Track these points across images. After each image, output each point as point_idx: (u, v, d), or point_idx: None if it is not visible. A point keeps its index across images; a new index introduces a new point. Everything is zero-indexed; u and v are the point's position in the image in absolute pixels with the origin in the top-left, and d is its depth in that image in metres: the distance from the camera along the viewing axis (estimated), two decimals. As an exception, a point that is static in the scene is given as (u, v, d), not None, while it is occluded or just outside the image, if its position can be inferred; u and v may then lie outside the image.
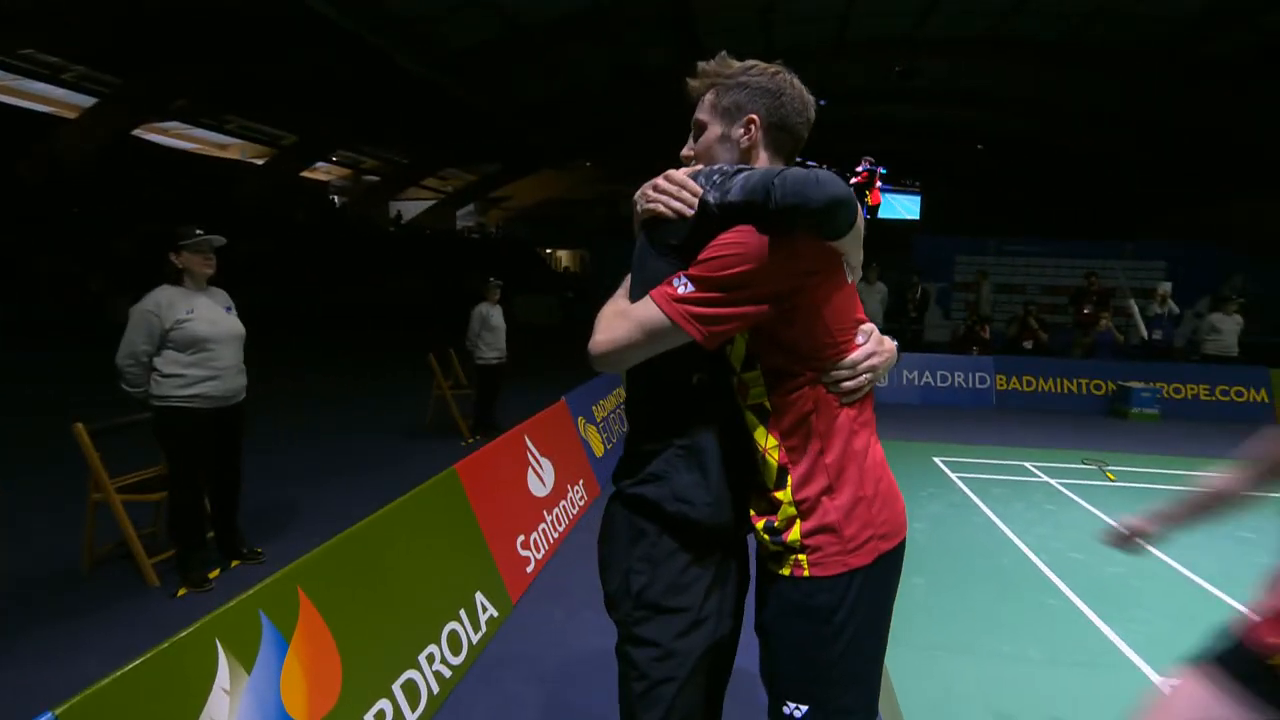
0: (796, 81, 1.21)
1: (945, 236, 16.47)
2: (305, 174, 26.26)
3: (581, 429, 4.68)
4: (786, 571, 1.10)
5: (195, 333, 2.87)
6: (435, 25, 12.48)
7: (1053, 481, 4.97)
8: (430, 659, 2.26)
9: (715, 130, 1.22)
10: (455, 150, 25.63)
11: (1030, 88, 15.60)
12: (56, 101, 17.89)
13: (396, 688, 2.05)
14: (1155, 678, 2.48)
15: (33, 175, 15.64)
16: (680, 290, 1.03)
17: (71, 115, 17.56)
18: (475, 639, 2.54)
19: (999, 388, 8.04)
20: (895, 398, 8.21)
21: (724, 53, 1.24)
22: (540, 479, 3.66)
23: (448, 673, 2.32)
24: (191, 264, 2.90)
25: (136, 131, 18.87)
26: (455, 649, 2.40)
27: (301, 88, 17.42)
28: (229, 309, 3.11)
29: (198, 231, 2.90)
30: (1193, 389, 7.65)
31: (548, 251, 34.50)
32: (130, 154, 18.90)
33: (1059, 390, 7.90)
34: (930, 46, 14.00)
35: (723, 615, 1.20)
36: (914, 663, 2.57)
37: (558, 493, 3.83)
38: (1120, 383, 7.63)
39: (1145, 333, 8.06)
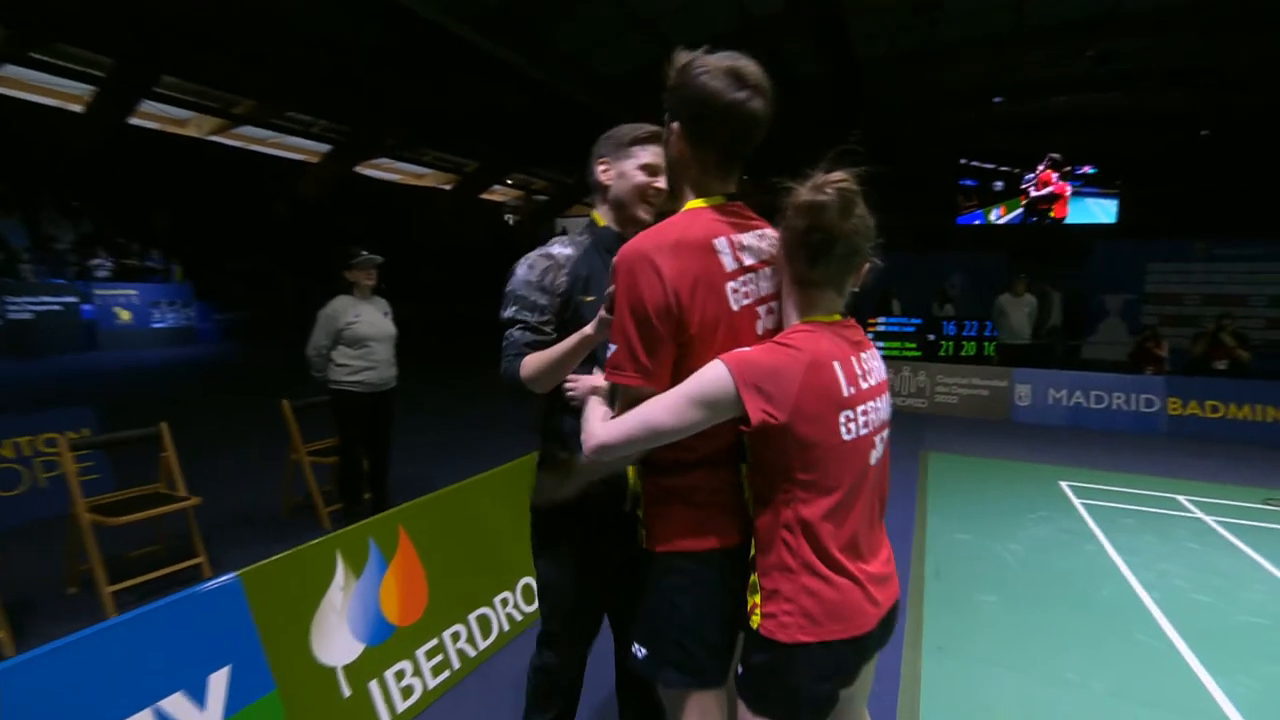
0: (717, 81, 1.12)
1: (1137, 241, 14.33)
2: (484, 196, 29.50)
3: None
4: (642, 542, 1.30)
5: (359, 332, 3.69)
6: (593, 54, 13.56)
7: (1208, 519, 4.37)
8: (504, 603, 2.77)
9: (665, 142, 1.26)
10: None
11: (1256, 56, 12.99)
12: (305, 150, 21.99)
13: (472, 618, 2.57)
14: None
15: (281, 211, 19.47)
16: None
17: (315, 160, 21.56)
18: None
19: (1171, 413, 6.99)
20: (1037, 419, 7.50)
21: (679, 49, 1.21)
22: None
23: (519, 616, 2.81)
24: (358, 278, 3.73)
25: (357, 168, 22.67)
26: (529, 600, 2.88)
27: (481, 120, 19.74)
28: (386, 314, 3.92)
29: (363, 252, 3.73)
30: None
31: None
32: (353, 188, 22.67)
33: (1256, 418, 6.70)
34: (1127, 22, 12.29)
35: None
36: (957, 672, 2.58)
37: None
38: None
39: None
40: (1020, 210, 16.31)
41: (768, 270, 1.25)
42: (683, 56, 1.18)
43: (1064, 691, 2.47)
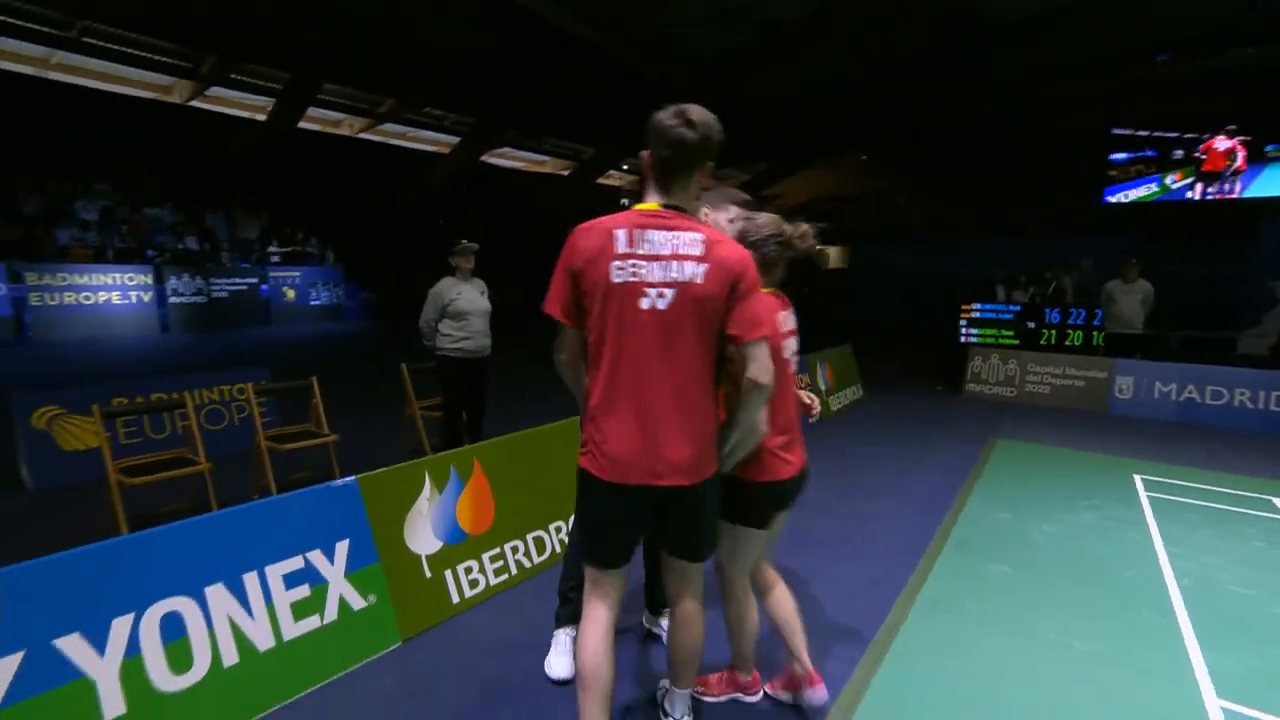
0: (669, 119, 1.60)
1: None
2: (600, 180, 30.66)
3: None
4: None
5: (460, 308, 4.48)
6: (694, 38, 13.81)
7: (1295, 520, 4.15)
8: (557, 530, 3.41)
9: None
10: (726, 153, 27.29)
11: None
12: (438, 142, 24.11)
13: (529, 537, 3.24)
14: (1211, 701, 2.38)
15: (405, 201, 21.60)
16: None
17: (446, 150, 23.62)
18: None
19: (1310, 413, 6.34)
20: (1139, 413, 7.06)
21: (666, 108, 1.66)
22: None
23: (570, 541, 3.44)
24: (459, 262, 4.51)
25: (484, 158, 24.52)
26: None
27: (596, 107, 20.63)
28: (483, 293, 4.69)
29: (463, 241, 4.50)
30: None
31: (818, 249, 34.17)
32: (477, 176, 24.55)
33: None
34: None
35: None
36: (940, 624, 2.84)
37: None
38: None
39: None
40: (1187, 181, 14.22)
41: (667, 263, 1.61)
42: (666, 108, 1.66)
43: (1041, 648, 2.68)
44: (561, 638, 2.48)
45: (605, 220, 1.65)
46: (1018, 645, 2.69)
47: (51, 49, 13.91)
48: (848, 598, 3.08)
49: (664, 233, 1.62)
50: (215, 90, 16.95)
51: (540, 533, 3.31)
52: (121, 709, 1.88)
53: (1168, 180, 14.37)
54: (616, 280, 1.60)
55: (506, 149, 25.77)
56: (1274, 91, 13.68)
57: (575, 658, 1.76)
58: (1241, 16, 11.79)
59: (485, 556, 3.00)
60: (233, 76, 16.30)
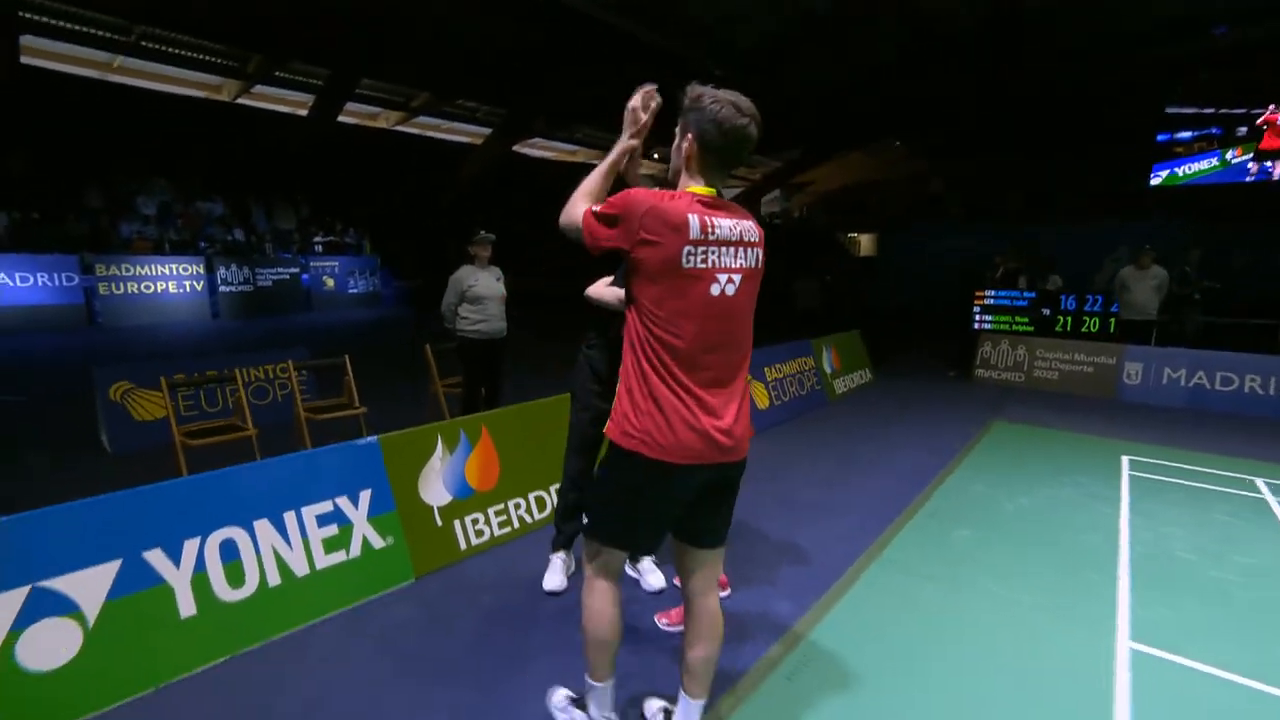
0: (727, 110, 1.58)
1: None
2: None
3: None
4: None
5: (478, 293, 4.90)
6: (725, 28, 13.87)
7: (1272, 499, 4.29)
8: (557, 492, 3.81)
9: (676, 139, 1.71)
10: (760, 141, 27.16)
11: None
12: (471, 133, 24.73)
13: (531, 496, 3.66)
14: (1123, 643, 2.64)
15: (439, 192, 22.26)
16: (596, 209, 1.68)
17: (478, 142, 24.23)
18: (592, 491, 4.02)
19: (1321, 399, 6.33)
20: (1148, 399, 7.11)
21: (694, 82, 1.67)
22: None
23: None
24: (477, 251, 4.93)
25: (516, 148, 25.06)
26: (577, 492, 3.91)
27: (627, 96, 20.91)
28: (499, 279, 5.10)
29: (481, 231, 4.92)
30: None
31: (849, 236, 33.86)
32: (509, 166, 25.11)
33: None
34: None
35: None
36: (893, 579, 3.15)
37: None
38: None
39: None
40: (1247, 157, 13.55)
41: (735, 249, 1.63)
42: (696, 89, 1.65)
43: (982, 600, 2.98)
44: (555, 560, 2.99)
45: (679, 201, 1.59)
46: (962, 598, 2.99)
47: (113, 54, 14.88)
48: (814, 553, 3.41)
49: (729, 220, 1.63)
50: (260, 88, 17.83)
51: (541, 492, 3.72)
52: (193, 610, 2.35)
53: (1228, 155, 13.79)
54: (687, 265, 1.57)
55: (537, 139, 26.28)
56: None
57: (587, 624, 1.86)
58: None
59: (490, 510, 3.42)
60: (277, 74, 17.13)
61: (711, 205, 1.62)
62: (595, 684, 1.91)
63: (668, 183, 1.80)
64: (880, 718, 2.16)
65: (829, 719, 2.16)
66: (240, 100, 18.26)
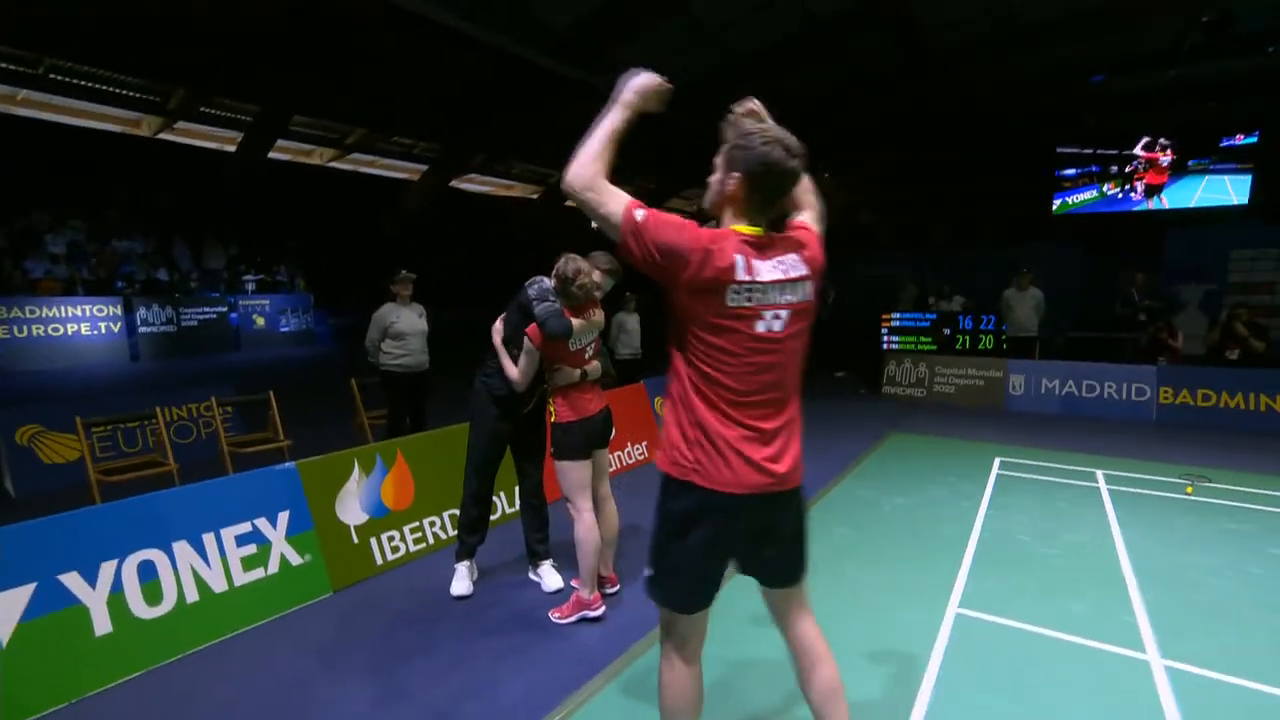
0: (778, 151, 1.53)
1: (1221, 229, 13.57)
2: (569, 203, 31.56)
3: (658, 406, 6.17)
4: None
5: (399, 329, 5.16)
6: (661, 67, 14.51)
7: (1105, 488, 4.95)
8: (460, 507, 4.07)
9: (717, 175, 1.62)
10: (697, 173, 28.27)
11: None
12: (406, 169, 24.84)
13: (445, 514, 3.91)
14: (951, 610, 3.11)
15: (390, 228, 22.25)
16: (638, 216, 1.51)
17: (414, 178, 24.36)
18: (507, 511, 4.29)
19: (1162, 401, 7.23)
20: (1034, 407, 7.93)
21: (737, 111, 1.63)
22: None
23: (486, 521, 4.11)
24: (398, 289, 5.20)
25: (453, 183, 25.30)
26: (493, 511, 4.18)
27: (563, 132, 21.49)
28: (421, 315, 5.37)
29: (402, 271, 5.20)
30: None
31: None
32: (447, 201, 25.28)
33: (1251, 408, 6.83)
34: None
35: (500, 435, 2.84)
36: None
37: (614, 444, 5.41)
38: (1343, 402, 6.36)
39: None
40: (1123, 192, 15.20)
41: (781, 287, 1.58)
42: (743, 125, 1.58)
43: (838, 584, 3.40)
44: (460, 569, 3.29)
45: (727, 242, 1.55)
46: (820, 582, 3.40)
47: (16, 87, 14.38)
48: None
49: (774, 259, 1.59)
50: (184, 124, 17.52)
51: (455, 510, 3.95)
52: (109, 628, 2.51)
53: (1104, 188, 15.50)
54: (731, 305, 1.54)
55: (474, 175, 26.61)
56: (1195, 107, 14.71)
57: (664, 702, 1.76)
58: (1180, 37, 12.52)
59: (406, 528, 3.66)
60: (203, 110, 16.90)
61: (757, 245, 1.58)
62: None
63: (702, 213, 1.73)
64: (735, 678, 2.53)
65: (695, 684, 2.51)
66: (162, 135, 17.90)
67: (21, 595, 2.36)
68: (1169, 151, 14.82)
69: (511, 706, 2.37)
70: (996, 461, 5.71)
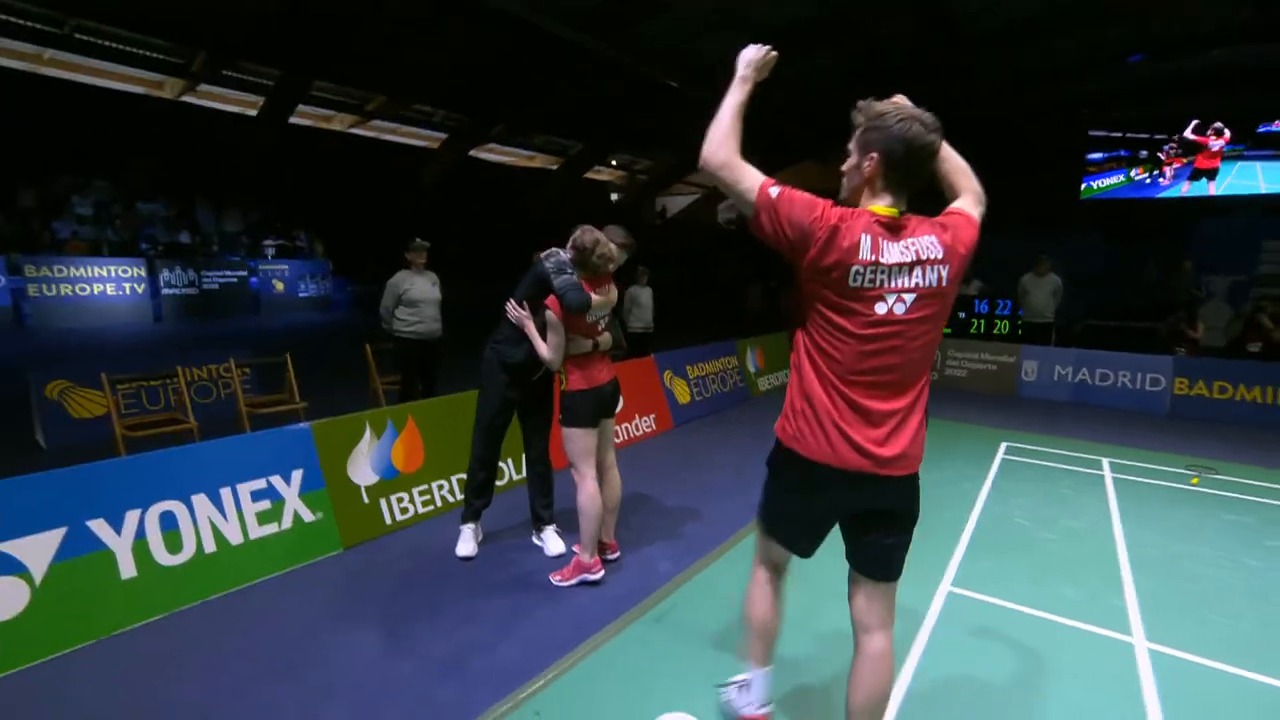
0: (915, 127, 1.52)
1: (1253, 218, 13.20)
2: (589, 175, 31.35)
3: (667, 380, 6.23)
4: None
5: (413, 297, 5.23)
6: (683, 45, 14.26)
7: (1110, 476, 4.95)
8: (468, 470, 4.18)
9: (852, 160, 1.62)
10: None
11: None
12: (427, 137, 24.79)
13: (454, 478, 4.02)
14: (944, 588, 3.17)
15: (409, 196, 22.28)
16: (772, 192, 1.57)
17: (434, 146, 24.30)
18: (514, 477, 4.40)
19: (1177, 392, 7.15)
20: (1042, 394, 7.87)
21: (871, 99, 1.62)
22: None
23: (493, 487, 4.22)
24: (413, 258, 5.26)
25: (473, 153, 25.21)
26: (499, 476, 4.29)
27: (584, 105, 21.21)
28: (434, 284, 5.44)
29: (417, 239, 5.26)
30: None
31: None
32: (467, 170, 25.24)
33: (1268, 401, 6.73)
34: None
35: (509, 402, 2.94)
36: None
37: (621, 416, 5.49)
38: (1362, 398, 6.25)
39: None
40: (1150, 177, 14.82)
41: (909, 269, 1.53)
42: (875, 107, 1.60)
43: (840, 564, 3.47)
44: (465, 531, 3.39)
45: (858, 221, 1.54)
46: (817, 564, 3.45)
47: (43, 46, 14.50)
48: (702, 526, 3.87)
49: (904, 241, 1.56)
50: (206, 86, 17.60)
51: (463, 475, 4.05)
52: (133, 572, 2.65)
53: (1133, 173, 15.11)
54: (853, 285, 1.53)
55: (493, 145, 26.47)
56: (1238, 92, 14.21)
57: (746, 611, 2.01)
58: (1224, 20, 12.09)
59: (415, 490, 3.78)
60: (225, 73, 16.95)
61: (890, 226, 1.55)
62: (754, 670, 2.00)
63: (844, 200, 1.68)
64: (722, 651, 2.62)
65: (686, 650, 2.60)
66: (185, 98, 17.99)
67: (53, 538, 2.50)
68: (1223, 135, 14.33)
69: (512, 662, 2.48)
70: (1003, 447, 5.72)
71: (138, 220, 15.36)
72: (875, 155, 1.56)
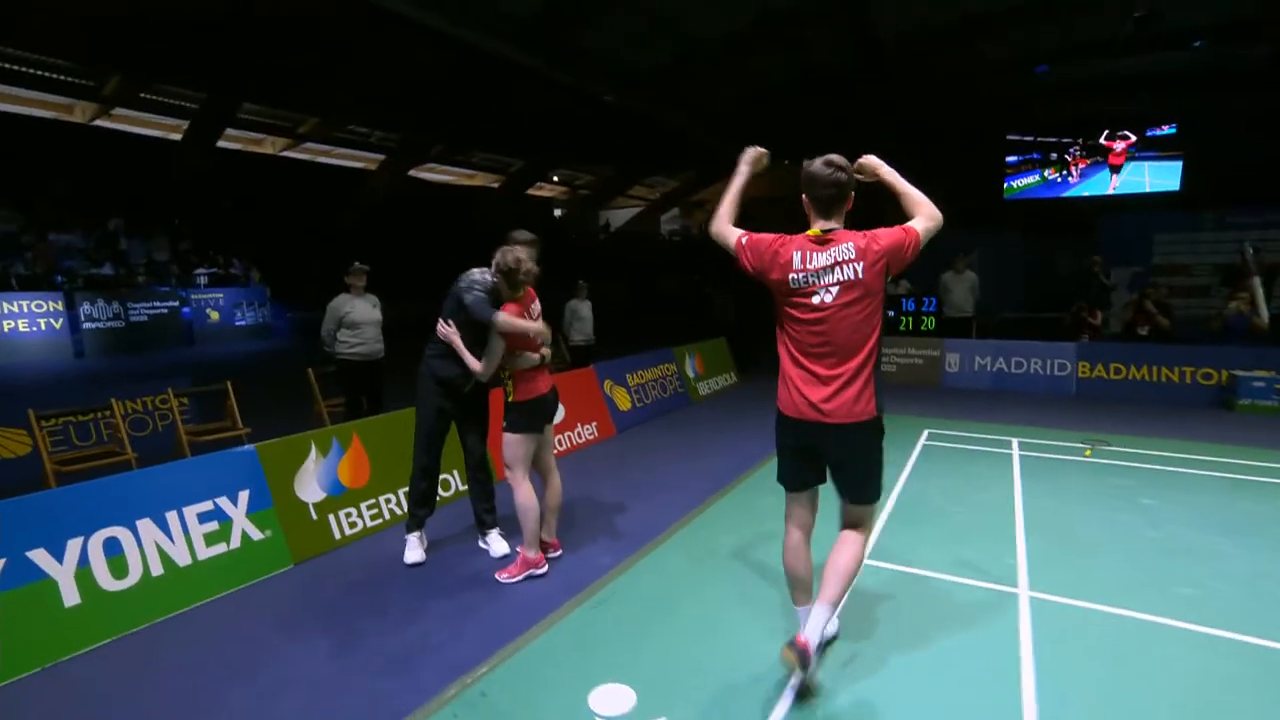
0: (814, 166, 2.21)
1: (1145, 214, 14.43)
2: (531, 192, 31.43)
3: (608, 388, 6.45)
4: None
5: (354, 319, 5.31)
6: (619, 57, 14.42)
7: (1017, 454, 5.42)
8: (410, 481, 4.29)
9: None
10: (656, 161, 28.43)
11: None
12: (364, 158, 24.45)
13: (400, 491, 4.12)
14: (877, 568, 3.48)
15: (348, 218, 21.89)
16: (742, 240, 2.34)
17: (371, 167, 23.98)
18: (459, 488, 4.52)
19: (1081, 375, 7.83)
20: (964, 384, 8.46)
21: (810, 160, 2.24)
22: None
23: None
24: (352, 281, 5.35)
25: (412, 173, 24.98)
26: (445, 488, 4.41)
27: (524, 121, 21.30)
28: (375, 306, 5.52)
29: (356, 263, 5.34)
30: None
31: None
32: (407, 191, 24.97)
33: (1154, 379, 7.46)
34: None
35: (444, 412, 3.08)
36: (699, 536, 3.89)
37: (563, 425, 5.67)
38: (1233, 372, 7.00)
39: (1265, 317, 7.13)
40: (1061, 177, 15.94)
41: (832, 269, 2.15)
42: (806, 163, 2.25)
43: (769, 544, 3.73)
44: (410, 539, 3.52)
45: (794, 242, 2.24)
46: (746, 544, 3.75)
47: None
48: (639, 522, 4.09)
49: (828, 250, 2.18)
50: (121, 110, 16.93)
51: (407, 488, 4.19)
52: (77, 600, 2.69)
53: (1045, 174, 16.32)
54: (794, 286, 2.21)
55: (433, 164, 26.31)
56: (1129, 98, 15.44)
57: (784, 559, 2.51)
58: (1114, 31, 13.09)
59: (363, 505, 3.88)
60: (144, 96, 16.35)
61: (819, 241, 2.21)
62: (795, 608, 2.54)
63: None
64: (653, 632, 2.84)
65: (624, 629, 2.81)
66: (99, 122, 17.28)
67: (-8, 570, 2.52)
68: (1128, 140, 15.60)
69: (460, 653, 2.64)
70: (925, 433, 6.16)
71: (50, 252, 14.63)
72: (803, 195, 2.27)
